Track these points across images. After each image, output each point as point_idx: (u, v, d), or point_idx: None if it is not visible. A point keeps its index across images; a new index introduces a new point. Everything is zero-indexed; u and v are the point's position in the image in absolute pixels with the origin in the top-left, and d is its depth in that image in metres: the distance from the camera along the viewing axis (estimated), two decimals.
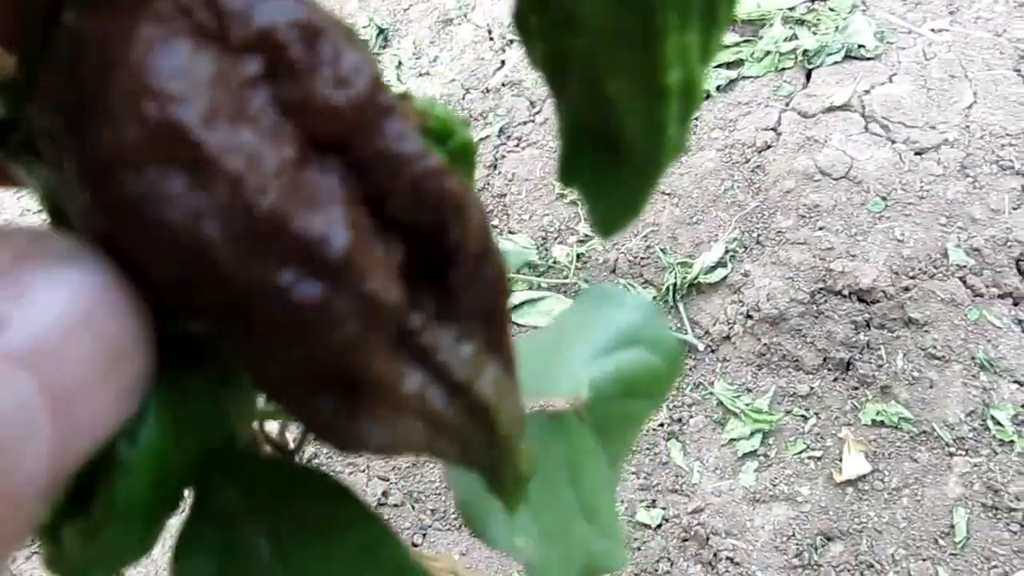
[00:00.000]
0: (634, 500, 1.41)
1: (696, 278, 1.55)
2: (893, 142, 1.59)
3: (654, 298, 1.57)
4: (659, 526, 1.38)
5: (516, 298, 1.62)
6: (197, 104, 0.15)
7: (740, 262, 1.55)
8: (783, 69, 1.76)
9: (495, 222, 1.73)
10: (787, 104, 1.70)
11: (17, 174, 0.19)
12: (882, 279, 1.45)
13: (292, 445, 0.37)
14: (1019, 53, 1.65)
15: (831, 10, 1.80)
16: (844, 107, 1.66)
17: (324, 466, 1.55)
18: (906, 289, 1.44)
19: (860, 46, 1.73)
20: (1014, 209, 1.48)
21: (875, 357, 1.41)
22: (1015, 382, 1.35)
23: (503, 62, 2.00)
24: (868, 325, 1.43)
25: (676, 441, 1.45)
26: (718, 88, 1.77)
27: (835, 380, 1.43)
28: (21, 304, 0.14)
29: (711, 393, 1.47)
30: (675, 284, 1.55)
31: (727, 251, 1.56)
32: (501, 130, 1.87)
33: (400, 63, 2.11)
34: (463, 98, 1.97)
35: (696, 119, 1.74)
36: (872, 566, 1.28)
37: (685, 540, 1.36)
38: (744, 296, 1.51)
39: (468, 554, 1.40)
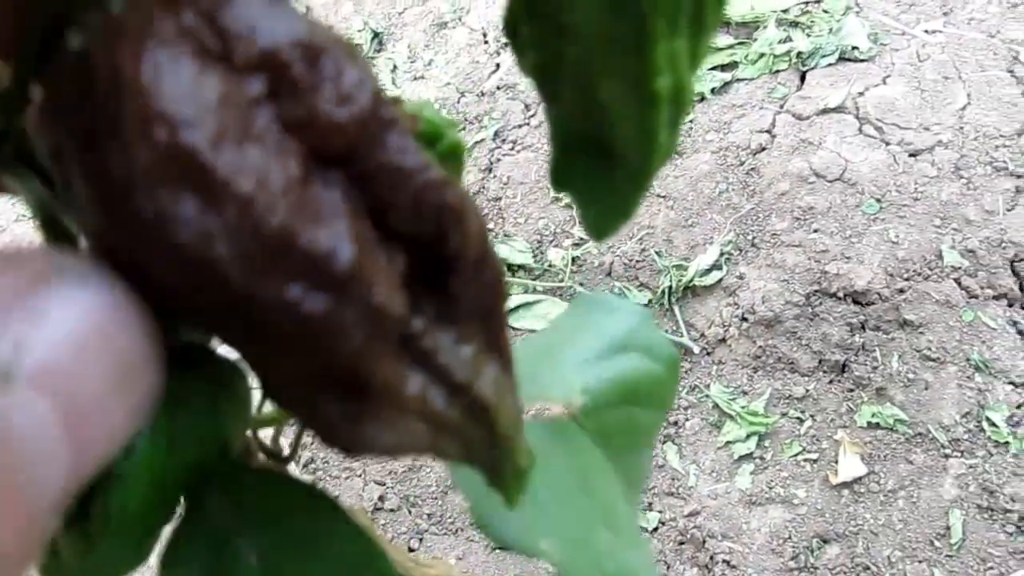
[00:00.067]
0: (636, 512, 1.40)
1: (691, 281, 1.55)
2: (887, 144, 1.60)
3: (649, 301, 1.57)
4: (655, 529, 1.38)
5: (512, 302, 1.62)
6: (205, 127, 0.15)
7: (735, 264, 1.55)
8: (777, 71, 1.76)
9: (490, 226, 1.73)
10: (781, 106, 1.70)
11: (7, 183, 0.20)
12: (877, 281, 1.45)
13: (286, 452, 0.37)
14: (1013, 54, 1.65)
15: (825, 12, 1.81)
16: (838, 109, 1.66)
17: (320, 471, 1.55)
18: (901, 291, 1.44)
19: (854, 48, 1.73)
20: (1008, 210, 1.48)
21: (870, 359, 1.41)
22: (1010, 383, 1.35)
23: (498, 65, 2.00)
24: (863, 327, 1.44)
25: (672, 444, 1.45)
26: (712, 90, 1.77)
27: (830, 382, 1.43)
28: (38, 326, 0.14)
29: (707, 396, 1.47)
30: (670, 287, 1.55)
31: (722, 253, 1.57)
32: (496, 133, 1.87)
33: (395, 67, 2.11)
34: (458, 102, 1.97)
35: (690, 122, 1.74)
36: (868, 568, 1.28)
37: (681, 543, 1.36)
38: (739, 299, 1.51)
39: (464, 558, 1.40)
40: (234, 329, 0.17)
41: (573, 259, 1.65)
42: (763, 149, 1.65)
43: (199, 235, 0.15)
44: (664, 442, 1.45)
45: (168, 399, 0.18)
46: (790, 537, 1.32)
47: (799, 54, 1.75)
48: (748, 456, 1.41)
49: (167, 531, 0.26)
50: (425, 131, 0.30)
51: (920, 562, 1.26)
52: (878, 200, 1.53)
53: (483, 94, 1.96)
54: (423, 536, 1.45)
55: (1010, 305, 1.41)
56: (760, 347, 1.46)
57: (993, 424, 1.32)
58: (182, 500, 0.26)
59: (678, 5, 0.18)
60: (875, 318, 1.43)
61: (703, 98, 1.77)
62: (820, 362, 1.43)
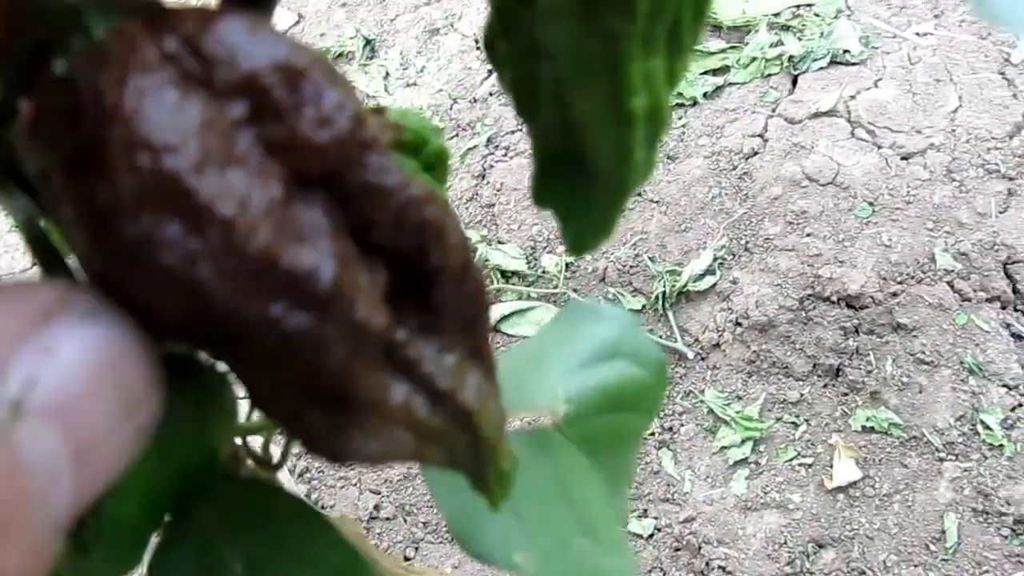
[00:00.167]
0: (625, 510, 1.40)
1: (685, 286, 1.55)
2: (879, 147, 1.60)
3: (643, 306, 1.57)
4: (651, 536, 1.38)
5: (505, 308, 1.62)
6: (187, 151, 0.15)
7: (728, 269, 1.55)
8: (769, 75, 1.76)
9: (484, 232, 1.73)
10: (773, 110, 1.71)
11: None
12: (870, 285, 1.45)
13: (275, 460, 0.37)
14: (1004, 56, 1.66)
15: (816, 15, 1.81)
16: (830, 113, 1.66)
17: (316, 480, 1.54)
18: (894, 294, 1.44)
19: (845, 51, 1.74)
20: (1001, 212, 1.48)
21: (864, 363, 1.42)
22: (1004, 386, 1.35)
23: (490, 71, 2.00)
24: (857, 331, 1.44)
25: (667, 450, 1.45)
26: (705, 95, 1.77)
27: (825, 386, 1.43)
28: (47, 361, 0.15)
29: (702, 401, 1.47)
30: (664, 292, 1.55)
31: (715, 259, 1.57)
32: (489, 140, 1.87)
33: (387, 74, 2.11)
34: (451, 108, 1.97)
35: (683, 126, 1.74)
36: (864, 573, 1.28)
37: (677, 549, 1.36)
38: (733, 303, 1.51)
39: (460, 567, 1.40)
40: (220, 346, 0.17)
41: (567, 265, 1.65)
42: (755, 153, 1.65)
43: (183, 258, 0.15)
44: (659, 448, 1.45)
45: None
46: (786, 542, 1.32)
47: (791, 58, 1.75)
48: (743, 461, 1.40)
49: (154, 539, 0.27)
50: (409, 139, 0.30)
51: (916, 566, 1.26)
52: (871, 204, 1.53)
53: (476, 100, 1.96)
54: (419, 545, 1.44)
55: (1003, 308, 1.41)
56: (754, 352, 1.46)
57: (987, 427, 1.33)
58: (169, 509, 0.27)
59: (653, 25, 0.18)
60: (869, 322, 1.43)
61: (695, 103, 1.77)
62: (814, 366, 1.43)
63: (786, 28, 1.80)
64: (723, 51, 1.81)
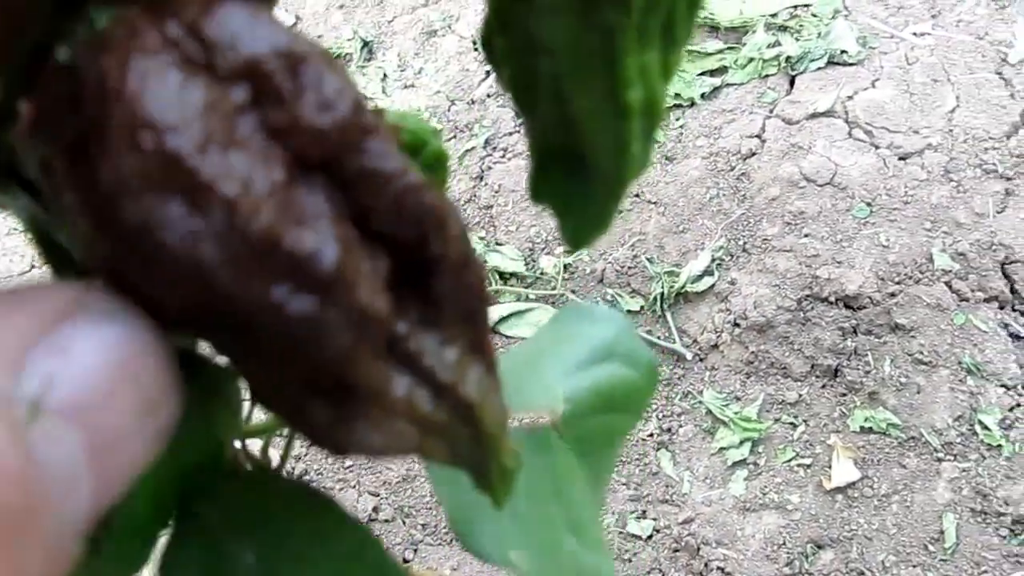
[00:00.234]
0: (624, 511, 1.40)
1: (683, 287, 1.55)
2: (877, 148, 1.60)
3: (641, 307, 1.57)
4: (650, 537, 1.38)
5: (504, 310, 1.62)
6: (190, 133, 0.15)
7: (727, 270, 1.56)
8: (767, 76, 1.76)
9: (482, 234, 1.73)
10: (771, 111, 1.71)
11: None
12: (868, 285, 1.45)
13: (275, 463, 0.37)
14: (1001, 56, 1.66)
15: (814, 16, 1.81)
16: (828, 113, 1.66)
17: (314, 483, 1.54)
18: (892, 295, 1.44)
19: (843, 52, 1.74)
20: (998, 212, 1.48)
21: (862, 363, 1.42)
22: (1002, 386, 1.35)
23: (488, 73, 2.00)
24: (855, 331, 1.44)
25: (666, 451, 1.45)
26: (702, 96, 1.77)
27: (823, 387, 1.43)
28: (66, 362, 0.15)
29: (700, 402, 1.47)
30: (662, 293, 1.55)
31: (713, 259, 1.57)
32: (487, 141, 1.87)
33: (385, 75, 2.11)
34: (448, 110, 1.97)
35: (681, 127, 1.74)
36: (863, 573, 1.28)
37: (676, 551, 1.36)
38: (731, 304, 1.51)
39: (459, 569, 1.40)
40: (223, 334, 0.17)
41: (565, 267, 1.65)
42: (753, 154, 1.65)
43: (185, 238, 0.15)
44: (658, 449, 1.45)
45: None
46: (784, 543, 1.32)
47: (788, 58, 1.76)
48: (742, 462, 1.41)
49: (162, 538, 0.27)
50: (408, 141, 0.30)
51: (914, 566, 1.26)
52: (868, 204, 1.53)
53: (473, 102, 1.96)
54: (417, 547, 1.44)
55: (1001, 307, 1.41)
56: (752, 353, 1.47)
57: (986, 427, 1.33)
58: (177, 506, 0.27)
59: (648, 19, 0.19)
60: (867, 322, 1.43)
61: (693, 104, 1.77)
62: (812, 367, 1.43)
63: (783, 29, 1.80)
64: (720, 52, 1.81)
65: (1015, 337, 1.39)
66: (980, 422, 1.33)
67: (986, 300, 1.42)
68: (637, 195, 1.67)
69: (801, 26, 1.79)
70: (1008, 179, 1.51)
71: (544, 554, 0.35)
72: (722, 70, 1.80)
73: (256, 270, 0.16)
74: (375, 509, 1.48)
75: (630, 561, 1.36)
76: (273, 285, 0.16)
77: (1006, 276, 1.43)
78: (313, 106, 0.17)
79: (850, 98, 1.67)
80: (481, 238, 1.72)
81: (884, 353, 1.41)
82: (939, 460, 1.33)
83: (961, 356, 1.38)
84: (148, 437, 0.16)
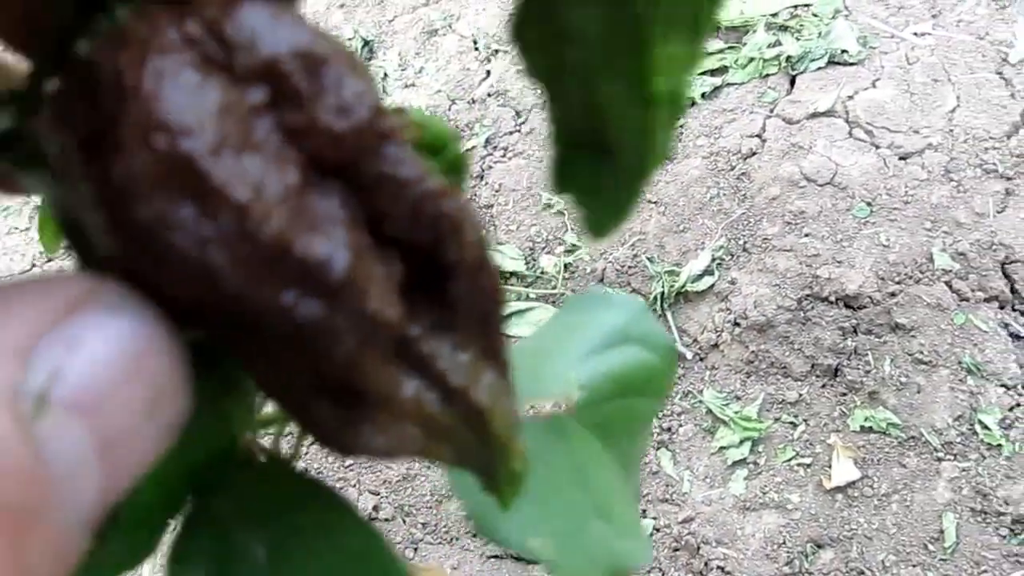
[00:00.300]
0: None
1: (683, 286, 1.55)
2: (877, 147, 1.60)
3: None
4: (650, 536, 1.38)
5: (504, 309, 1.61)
6: (204, 135, 0.15)
7: (727, 270, 1.56)
8: (767, 75, 1.76)
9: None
10: (771, 111, 1.71)
11: (25, 184, 0.20)
12: (868, 285, 1.45)
13: (286, 455, 0.37)
14: (1001, 56, 1.66)
15: (814, 16, 1.81)
16: (828, 113, 1.66)
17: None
18: (892, 294, 1.44)
19: (843, 51, 1.74)
20: (998, 212, 1.48)
21: (863, 363, 1.42)
22: (1002, 386, 1.35)
23: (488, 72, 2.00)
24: (855, 331, 1.44)
25: (666, 450, 1.45)
26: (703, 95, 1.77)
27: (823, 387, 1.43)
28: (73, 353, 0.15)
29: (700, 401, 1.47)
30: (662, 293, 1.55)
31: (714, 259, 1.57)
32: (487, 141, 1.87)
33: (386, 75, 2.11)
34: (449, 109, 1.97)
35: (681, 127, 1.74)
36: (863, 573, 1.28)
37: (676, 550, 1.36)
38: (731, 304, 1.51)
39: (459, 568, 1.40)
40: (232, 332, 0.17)
41: (565, 266, 1.65)
42: (754, 154, 1.66)
43: (195, 241, 0.15)
44: (658, 448, 1.45)
45: None
46: (784, 542, 1.32)
47: (789, 58, 1.76)
48: (742, 461, 1.41)
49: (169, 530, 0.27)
50: (430, 141, 0.30)
51: (914, 566, 1.27)
52: (869, 204, 1.54)
53: (473, 101, 1.96)
54: (418, 545, 1.45)
55: (1001, 307, 1.42)
56: (753, 352, 1.47)
57: (986, 427, 1.33)
58: (188, 497, 0.27)
59: (674, 10, 0.19)
60: (867, 322, 1.43)
61: (693, 103, 1.77)
62: (812, 366, 1.44)
63: (784, 28, 1.80)
64: (721, 51, 1.81)
65: (1015, 337, 1.39)
66: (980, 422, 1.33)
67: (986, 300, 1.42)
68: None
69: (802, 26, 1.79)
70: (1008, 179, 1.51)
71: (569, 540, 0.35)
72: (723, 70, 1.80)
73: (265, 275, 0.16)
74: (375, 508, 1.49)
75: None
76: (282, 290, 0.16)
77: (1006, 276, 1.43)
78: (331, 109, 0.17)
79: (850, 98, 1.67)
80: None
81: (884, 353, 1.41)
82: (939, 460, 1.33)
83: (961, 356, 1.38)
84: (158, 432, 0.16)
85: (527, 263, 1.68)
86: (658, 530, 1.38)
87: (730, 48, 1.81)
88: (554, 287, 1.64)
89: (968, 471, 1.31)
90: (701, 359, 1.51)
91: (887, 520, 1.31)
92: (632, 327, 0.44)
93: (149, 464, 0.16)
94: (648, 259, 1.60)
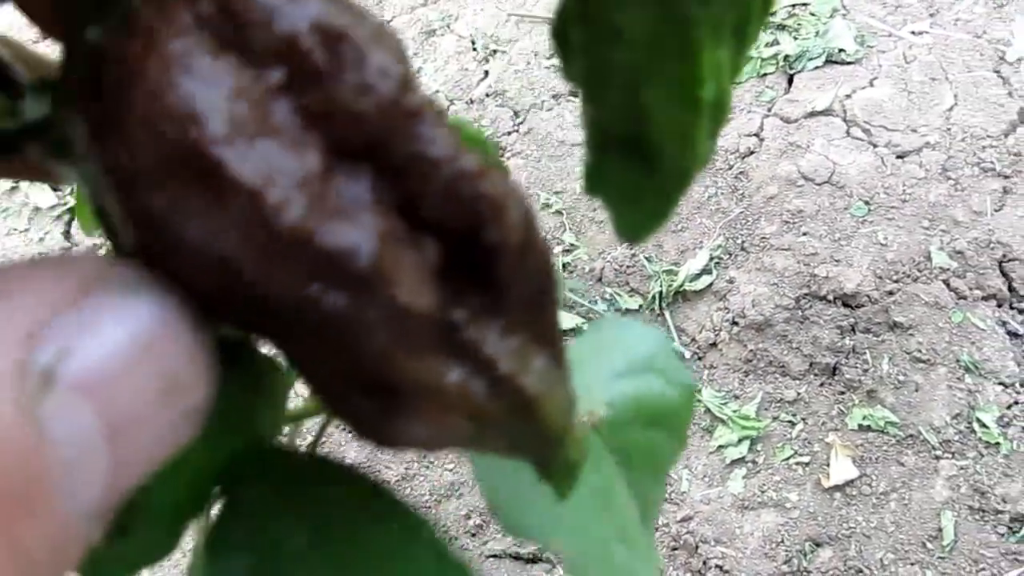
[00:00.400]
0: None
1: (682, 286, 1.55)
2: (875, 146, 1.60)
3: (640, 306, 1.57)
4: None
5: None
6: (215, 122, 0.15)
7: (725, 269, 1.56)
8: (765, 74, 1.76)
9: None
10: (769, 110, 1.71)
11: (57, 171, 0.20)
12: (866, 283, 1.45)
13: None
14: (999, 54, 1.66)
15: (812, 15, 1.81)
16: (826, 112, 1.66)
17: None
18: (890, 293, 1.44)
19: (841, 50, 1.74)
20: (996, 211, 1.48)
21: (860, 361, 1.42)
22: (1000, 384, 1.35)
23: (486, 73, 2.00)
24: (853, 330, 1.44)
25: None
26: None
27: (821, 385, 1.43)
28: (84, 333, 0.14)
29: (699, 400, 1.47)
30: (661, 292, 1.55)
31: (712, 258, 1.57)
32: None
33: None
34: (447, 109, 1.97)
35: None
36: (861, 571, 1.28)
37: (675, 549, 1.36)
38: (729, 303, 1.51)
39: None
40: (260, 324, 0.16)
41: (564, 265, 1.65)
42: (751, 153, 1.66)
43: (209, 232, 0.15)
44: None
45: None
46: (783, 541, 1.32)
47: (786, 57, 1.76)
48: (740, 460, 1.41)
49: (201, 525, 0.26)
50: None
51: (912, 564, 1.27)
52: (866, 202, 1.54)
53: (472, 102, 1.96)
54: None
55: (999, 305, 1.42)
56: (751, 351, 1.47)
57: (983, 425, 1.33)
58: (219, 491, 0.26)
59: (723, 16, 0.19)
60: (865, 320, 1.43)
61: None
62: (811, 365, 1.44)
63: (782, 27, 1.81)
64: None
65: (1013, 335, 1.39)
66: (978, 420, 1.33)
67: (984, 298, 1.42)
68: None
69: (799, 25, 1.80)
70: (1006, 177, 1.51)
71: (592, 557, 0.34)
72: None
73: (286, 266, 0.15)
74: None
75: None
76: (305, 282, 0.15)
77: (1004, 274, 1.43)
78: (353, 88, 0.16)
79: (848, 97, 1.67)
80: None
81: (882, 351, 1.41)
82: (937, 458, 1.33)
83: (959, 354, 1.38)
84: (175, 421, 0.16)
85: None
86: (656, 529, 1.38)
87: None
88: None
89: (966, 469, 1.31)
90: (699, 358, 1.51)
91: (885, 518, 1.31)
92: (656, 358, 0.44)
93: (167, 455, 0.16)
94: (646, 258, 1.60)
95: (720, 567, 1.32)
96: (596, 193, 0.24)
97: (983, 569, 1.24)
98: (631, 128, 0.22)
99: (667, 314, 1.55)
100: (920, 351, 1.40)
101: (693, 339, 1.53)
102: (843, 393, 1.41)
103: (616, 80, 0.21)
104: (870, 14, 1.79)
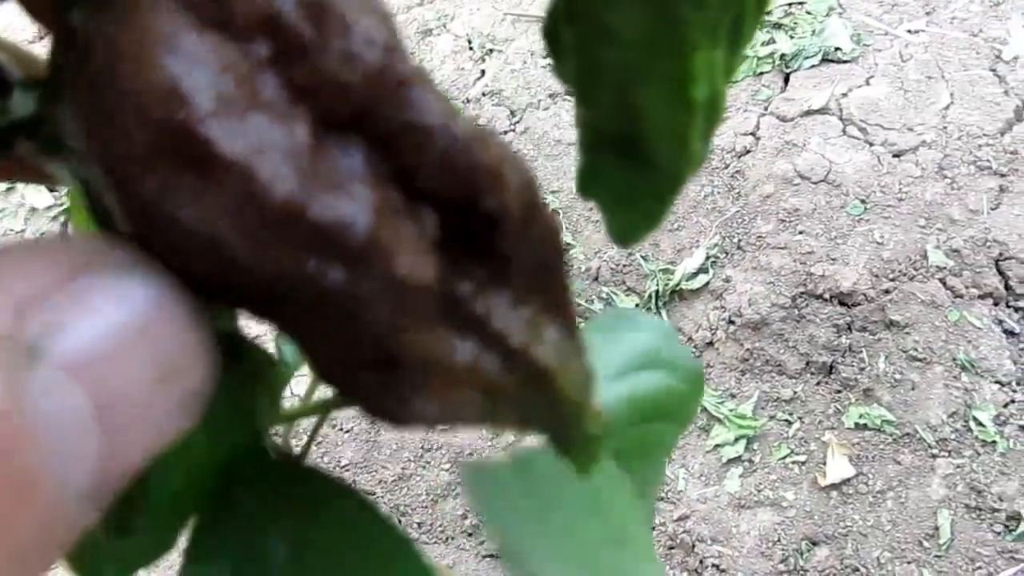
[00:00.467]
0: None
1: (678, 285, 1.55)
2: (871, 145, 1.60)
3: (637, 306, 1.57)
4: None
5: None
6: (202, 99, 0.14)
7: (721, 268, 1.56)
8: (761, 73, 1.76)
9: None
10: (766, 108, 1.71)
11: (49, 169, 0.19)
12: (862, 282, 1.45)
13: (296, 453, 0.37)
14: (995, 53, 1.66)
15: (808, 13, 1.81)
16: (822, 111, 1.66)
17: None
18: (886, 291, 1.44)
19: (837, 49, 1.74)
20: (992, 209, 1.48)
21: (857, 360, 1.42)
22: (996, 382, 1.35)
23: (483, 72, 2.00)
24: (849, 328, 1.44)
25: None
26: None
27: (818, 384, 1.43)
28: (75, 311, 0.14)
29: None
30: (657, 291, 1.55)
31: (708, 257, 1.57)
32: None
33: None
34: None
35: None
36: (858, 570, 1.28)
37: (671, 548, 1.36)
38: (726, 302, 1.51)
39: (455, 567, 1.40)
40: (256, 305, 0.16)
41: None
42: (747, 151, 1.66)
43: (200, 213, 0.14)
44: None
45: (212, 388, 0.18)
46: (779, 540, 1.32)
47: (782, 56, 1.76)
48: (737, 459, 1.41)
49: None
50: None
51: (909, 563, 1.27)
52: (863, 201, 1.54)
53: (468, 101, 1.96)
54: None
55: (995, 304, 1.42)
56: (747, 350, 1.47)
57: (980, 423, 1.33)
58: (212, 491, 0.26)
59: (716, 15, 0.18)
60: (861, 319, 1.43)
61: None
62: (807, 364, 1.44)
63: (778, 26, 1.81)
64: None
65: (1009, 333, 1.39)
66: (974, 418, 1.33)
67: (980, 297, 1.42)
68: None
69: (795, 23, 1.80)
70: (1002, 176, 1.51)
71: (582, 565, 0.34)
72: None
73: (280, 243, 0.15)
74: None
75: None
76: (300, 259, 0.15)
77: (1000, 272, 1.43)
78: (339, 58, 0.15)
79: (844, 95, 1.67)
80: None
81: (879, 350, 1.41)
82: (934, 456, 1.33)
83: (955, 352, 1.38)
84: (171, 405, 0.15)
85: None
86: (653, 528, 1.38)
87: None
88: None
89: (963, 468, 1.31)
90: (696, 357, 1.51)
91: (882, 517, 1.31)
92: (660, 351, 0.43)
93: (166, 442, 0.15)
94: (642, 257, 1.60)
95: (717, 566, 1.32)
96: (589, 195, 0.24)
97: (979, 567, 1.24)
98: (624, 128, 0.21)
99: (663, 313, 1.55)
100: (916, 350, 1.40)
101: (690, 338, 1.52)
102: (839, 392, 1.41)
103: (608, 80, 0.21)
104: (866, 13, 1.79)
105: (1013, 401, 1.34)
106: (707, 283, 1.55)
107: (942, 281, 1.44)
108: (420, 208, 0.16)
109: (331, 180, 0.15)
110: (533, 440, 0.21)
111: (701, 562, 1.33)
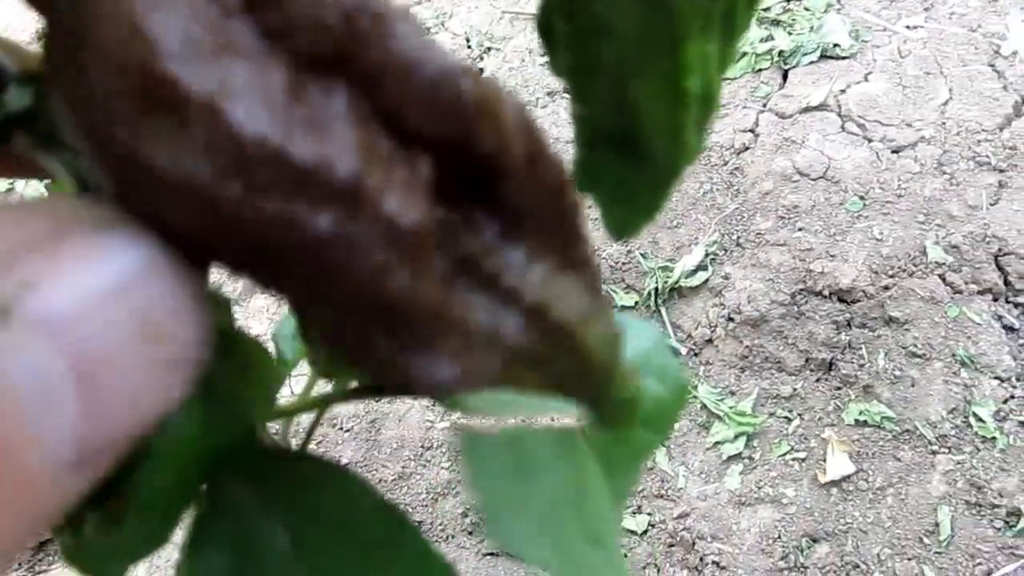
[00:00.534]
0: (621, 517, 1.40)
1: (677, 282, 1.55)
2: (870, 141, 1.60)
3: (636, 303, 1.57)
4: (645, 532, 1.38)
5: None
6: (167, 41, 0.14)
7: (720, 265, 1.55)
8: (760, 70, 1.76)
9: None
10: (764, 105, 1.71)
11: (43, 164, 0.19)
12: (862, 278, 1.45)
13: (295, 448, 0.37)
14: (994, 48, 1.66)
15: (806, 10, 1.81)
16: (821, 107, 1.66)
17: None
18: (886, 288, 1.44)
19: (835, 45, 1.74)
20: (991, 205, 1.48)
21: (857, 357, 1.42)
22: (996, 378, 1.35)
23: (481, 70, 2.00)
24: (849, 325, 1.44)
25: (661, 446, 1.45)
26: None
27: (817, 381, 1.43)
28: (51, 271, 0.13)
29: (695, 397, 1.47)
30: (656, 288, 1.55)
31: (707, 254, 1.56)
32: None
33: None
34: None
35: None
36: (858, 567, 1.28)
37: (671, 545, 1.36)
38: (725, 299, 1.51)
39: (455, 565, 1.40)
40: (247, 261, 0.15)
41: None
42: (746, 148, 1.65)
43: (176, 160, 0.14)
44: None
45: (204, 380, 0.17)
46: (779, 537, 1.32)
47: (781, 52, 1.75)
48: (737, 456, 1.41)
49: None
50: None
51: (909, 559, 1.27)
52: (862, 197, 1.53)
53: None
54: None
55: (995, 300, 1.42)
56: (747, 347, 1.46)
57: (980, 419, 1.33)
58: (204, 484, 0.26)
59: (709, 7, 0.18)
60: (860, 315, 1.43)
61: None
62: (807, 361, 1.43)
63: (776, 23, 1.80)
64: None
65: (1009, 329, 1.39)
66: (974, 414, 1.33)
67: (980, 292, 1.42)
68: None
69: (794, 20, 1.79)
70: (1001, 171, 1.51)
71: (568, 560, 0.34)
72: None
73: (262, 187, 0.14)
74: None
75: (625, 556, 1.36)
76: (283, 203, 0.14)
77: (999, 268, 1.43)
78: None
79: (843, 92, 1.67)
80: None
81: (878, 346, 1.41)
82: (934, 453, 1.33)
83: (955, 349, 1.38)
84: (155, 367, 0.14)
85: None
86: (653, 526, 1.38)
87: None
88: None
89: (963, 464, 1.31)
90: (695, 354, 1.51)
91: (882, 514, 1.31)
92: (650, 359, 0.43)
93: (156, 411, 0.15)
94: (641, 255, 1.60)
95: (717, 563, 1.32)
96: (586, 190, 0.24)
97: (980, 564, 1.24)
98: (619, 122, 0.21)
99: (663, 311, 1.55)
100: (916, 346, 1.40)
101: (689, 335, 1.52)
102: (839, 388, 1.41)
103: (602, 73, 0.21)
104: (864, 8, 1.79)
105: (1013, 397, 1.34)
106: (706, 280, 1.54)
107: (941, 277, 1.43)
108: (413, 152, 0.16)
109: (313, 122, 0.14)
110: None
111: (701, 559, 1.33)
